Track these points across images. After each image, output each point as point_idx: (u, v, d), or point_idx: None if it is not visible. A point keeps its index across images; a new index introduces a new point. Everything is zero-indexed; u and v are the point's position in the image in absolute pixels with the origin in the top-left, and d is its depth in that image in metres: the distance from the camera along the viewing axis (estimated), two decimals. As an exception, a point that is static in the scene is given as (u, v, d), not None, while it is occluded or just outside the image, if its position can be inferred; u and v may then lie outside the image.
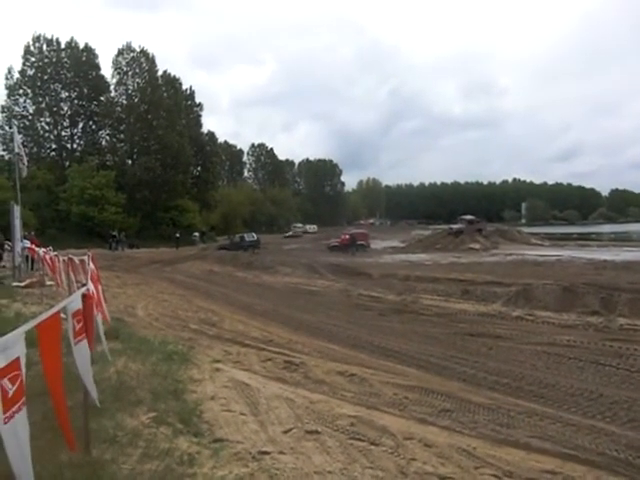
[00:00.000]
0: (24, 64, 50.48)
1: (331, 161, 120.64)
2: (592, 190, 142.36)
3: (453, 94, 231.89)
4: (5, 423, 1.83)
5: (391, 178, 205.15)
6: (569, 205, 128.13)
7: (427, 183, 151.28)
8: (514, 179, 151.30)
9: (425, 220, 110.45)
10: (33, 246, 17.45)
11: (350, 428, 4.33)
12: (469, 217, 46.52)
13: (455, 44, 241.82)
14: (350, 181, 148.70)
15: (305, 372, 6.47)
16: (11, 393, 1.88)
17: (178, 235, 46.41)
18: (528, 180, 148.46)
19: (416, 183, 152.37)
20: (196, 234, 52.46)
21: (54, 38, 51.67)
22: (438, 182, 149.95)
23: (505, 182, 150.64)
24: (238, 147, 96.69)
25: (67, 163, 52.26)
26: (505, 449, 4.18)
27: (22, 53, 50.58)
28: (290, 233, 72.33)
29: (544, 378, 6.33)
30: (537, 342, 8.19)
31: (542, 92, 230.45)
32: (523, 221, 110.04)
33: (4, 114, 49.60)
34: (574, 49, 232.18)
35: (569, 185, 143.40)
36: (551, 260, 24.95)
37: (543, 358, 7.30)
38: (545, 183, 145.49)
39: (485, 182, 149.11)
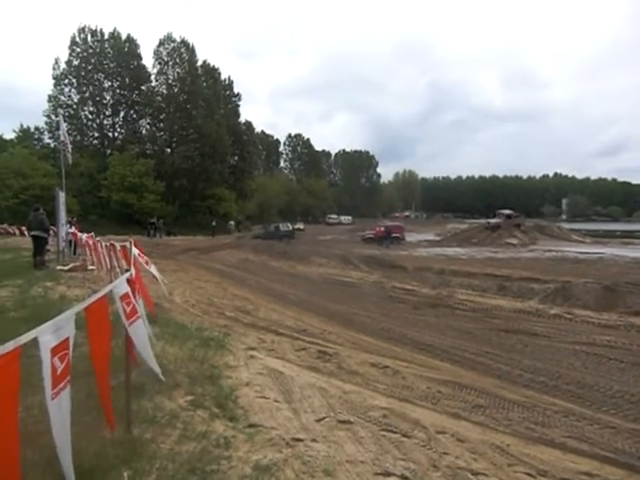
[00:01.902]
0: (70, 55, 52.16)
1: (367, 152, 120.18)
2: (638, 186, 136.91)
3: (493, 86, 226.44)
4: (53, 399, 1.93)
5: (428, 171, 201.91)
6: (613, 201, 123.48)
7: (464, 176, 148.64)
8: (555, 174, 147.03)
9: (461, 214, 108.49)
10: (76, 231, 18.04)
11: (382, 420, 4.34)
12: (507, 211, 45.55)
13: (496, 35, 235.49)
14: (386, 173, 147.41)
15: (338, 362, 6.51)
16: (59, 371, 1.98)
17: (214, 223, 47.12)
18: (570, 175, 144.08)
19: (453, 176, 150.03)
20: (232, 223, 53.18)
21: (98, 29, 53.21)
22: (476, 175, 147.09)
23: (545, 176, 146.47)
24: (275, 137, 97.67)
25: (108, 151, 53.77)
26: (540, 448, 4.12)
27: (68, 44, 52.24)
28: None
29: (582, 378, 6.19)
30: (575, 341, 8.01)
31: (586, 84, 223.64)
32: (563, 217, 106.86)
33: (51, 103, 51.39)
34: (620, 39, 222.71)
35: (614, 180, 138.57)
36: (592, 258, 24.22)
37: (581, 358, 7.14)
38: (588, 178, 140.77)
39: (524, 176, 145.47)
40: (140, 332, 3.30)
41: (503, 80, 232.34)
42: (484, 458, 3.75)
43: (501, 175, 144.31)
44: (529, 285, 13.80)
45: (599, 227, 62.87)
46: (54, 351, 1.91)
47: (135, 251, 4.57)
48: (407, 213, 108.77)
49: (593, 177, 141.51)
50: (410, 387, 5.67)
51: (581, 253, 26.95)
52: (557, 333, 8.59)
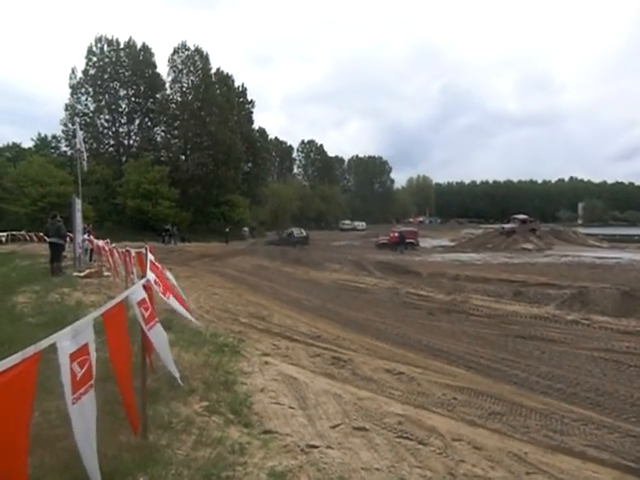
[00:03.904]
0: (87, 64, 53.11)
1: (381, 158, 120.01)
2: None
3: (508, 90, 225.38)
4: (73, 404, 1.95)
5: (442, 176, 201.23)
6: (630, 205, 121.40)
7: (479, 181, 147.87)
8: (571, 178, 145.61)
9: (476, 219, 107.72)
10: (92, 238, 18.24)
11: (398, 426, 4.31)
12: (522, 216, 45.15)
13: (511, 39, 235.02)
14: (400, 178, 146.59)
15: (353, 369, 6.48)
16: (79, 376, 2.00)
17: (228, 230, 47.35)
18: (586, 179, 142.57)
19: (467, 181, 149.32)
20: (245, 229, 53.42)
21: (114, 39, 54.13)
22: (490, 180, 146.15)
23: (561, 181, 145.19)
24: (288, 143, 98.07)
25: (124, 158, 54.52)
26: (559, 456, 4.06)
27: (85, 54, 53.26)
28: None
29: (601, 385, 6.09)
30: (593, 347, 7.88)
31: (602, 88, 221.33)
32: (580, 222, 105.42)
33: (67, 112, 52.37)
34: (636, 41, 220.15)
35: (631, 184, 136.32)
36: (610, 263, 23.89)
37: (600, 364, 7.02)
38: (604, 182, 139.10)
39: (540, 181, 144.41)
40: (160, 336, 3.33)
41: (518, 84, 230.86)
42: (501, 466, 3.71)
43: (516, 180, 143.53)
44: (545, 291, 13.64)
45: (616, 232, 61.94)
46: (73, 356, 1.93)
47: (151, 257, 4.60)
48: (421, 218, 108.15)
49: (610, 181, 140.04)
50: (425, 394, 5.62)
51: (598, 258, 26.60)
52: (575, 339, 8.47)
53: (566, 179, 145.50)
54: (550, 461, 3.91)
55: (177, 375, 3.69)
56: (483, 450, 3.98)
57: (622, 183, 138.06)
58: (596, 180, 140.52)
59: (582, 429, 4.72)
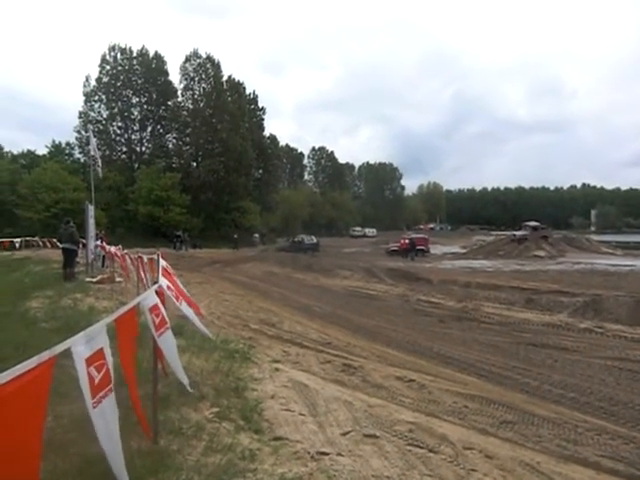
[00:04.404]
0: (100, 72, 53.78)
1: (391, 165, 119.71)
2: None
3: (519, 97, 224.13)
4: (94, 408, 1.97)
5: (452, 183, 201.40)
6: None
7: (490, 188, 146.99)
8: (583, 184, 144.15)
9: (487, 226, 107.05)
10: (104, 244, 18.39)
11: (409, 434, 4.28)
12: (533, 223, 44.80)
13: (522, 45, 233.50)
14: (410, 185, 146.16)
15: (363, 376, 6.47)
16: (97, 380, 2.02)
17: (236, 236, 47.45)
18: (599, 185, 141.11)
19: (478, 188, 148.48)
20: (256, 235, 53.56)
21: (127, 47, 54.81)
22: (501, 187, 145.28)
23: (573, 187, 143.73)
24: (299, 150, 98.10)
25: (136, 165, 55.03)
26: (572, 466, 4.01)
27: (99, 62, 53.96)
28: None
29: (615, 395, 6.02)
30: (607, 356, 7.80)
31: (614, 93, 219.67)
32: (592, 229, 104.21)
33: (81, 119, 53.05)
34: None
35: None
36: (623, 270, 23.61)
37: (614, 374, 6.95)
38: (618, 189, 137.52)
39: (551, 187, 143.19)
40: (169, 343, 3.36)
41: (529, 90, 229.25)
42: (514, 476, 3.67)
43: (527, 186, 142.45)
44: (558, 298, 13.54)
45: (630, 239, 61.22)
46: (89, 361, 1.96)
47: (164, 263, 4.64)
48: (432, 225, 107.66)
49: (623, 187, 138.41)
50: (436, 401, 5.59)
51: (611, 265, 26.31)
52: (588, 348, 8.38)
53: (578, 185, 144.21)
54: (563, 471, 3.86)
55: (186, 382, 3.70)
56: (495, 459, 3.94)
57: (636, 189, 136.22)
58: (609, 186, 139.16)
59: (596, 439, 4.67)
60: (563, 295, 13.99)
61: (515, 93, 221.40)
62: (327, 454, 3.59)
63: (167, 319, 3.40)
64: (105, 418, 2.06)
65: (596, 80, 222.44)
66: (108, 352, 2.12)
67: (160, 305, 3.22)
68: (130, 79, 54.54)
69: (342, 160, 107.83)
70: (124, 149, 56.64)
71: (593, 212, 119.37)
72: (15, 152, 56.06)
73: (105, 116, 54.34)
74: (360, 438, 4.04)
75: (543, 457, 4.14)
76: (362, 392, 5.71)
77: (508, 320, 10.96)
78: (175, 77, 57.38)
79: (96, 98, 53.66)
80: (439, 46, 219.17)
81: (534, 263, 30.31)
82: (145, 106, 56.22)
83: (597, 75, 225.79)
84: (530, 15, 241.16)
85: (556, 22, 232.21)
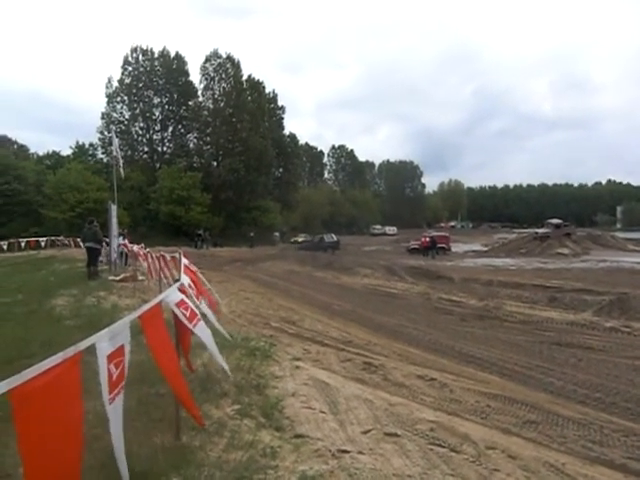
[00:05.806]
0: (122, 73, 54.75)
1: (412, 162, 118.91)
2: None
3: (542, 92, 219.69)
4: (110, 404, 2.00)
5: (474, 180, 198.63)
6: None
7: (512, 185, 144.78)
8: (608, 181, 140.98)
9: (509, 223, 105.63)
10: (127, 242, 18.66)
11: (430, 433, 4.24)
12: (556, 221, 44.10)
13: (545, 39, 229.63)
14: (431, 183, 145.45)
15: (384, 374, 6.44)
16: (115, 377, 2.05)
17: (252, 234, 47.61)
18: (624, 182, 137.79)
19: (500, 185, 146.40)
20: (277, 234, 53.80)
21: (149, 48, 55.68)
22: (524, 184, 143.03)
23: (598, 184, 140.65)
24: (319, 149, 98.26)
25: (158, 165, 55.75)
26: (598, 468, 3.93)
27: (121, 63, 54.90)
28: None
29: (643, 395, 5.88)
30: (635, 356, 7.63)
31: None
32: (618, 226, 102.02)
33: (104, 120, 54.09)
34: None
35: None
36: (651, 268, 23.10)
37: (641, 373, 6.79)
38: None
39: (576, 184, 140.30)
40: (206, 332, 3.44)
41: (553, 86, 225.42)
42: (538, 477, 3.61)
43: (550, 183, 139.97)
44: (582, 297, 13.29)
45: (657, 236, 59.78)
46: (110, 358, 1.99)
47: (185, 261, 4.68)
48: (453, 223, 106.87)
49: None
50: (458, 400, 5.54)
51: (638, 263, 25.74)
52: (614, 347, 8.21)
53: (603, 182, 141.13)
54: (589, 473, 3.79)
55: (226, 367, 3.77)
56: (518, 459, 3.89)
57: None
58: (635, 183, 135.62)
59: (623, 440, 4.57)
60: (587, 293, 13.74)
61: (538, 88, 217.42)
62: (348, 452, 3.58)
63: (197, 311, 3.45)
64: (117, 414, 2.10)
65: (621, 74, 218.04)
66: (128, 349, 2.15)
67: (187, 299, 3.27)
68: (151, 80, 55.32)
69: (362, 158, 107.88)
70: (146, 149, 57.45)
71: (619, 209, 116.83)
72: (40, 153, 57.41)
73: (127, 117, 55.28)
74: (381, 437, 4.02)
75: (568, 458, 4.07)
76: (383, 390, 5.68)
77: (531, 319, 10.80)
78: (196, 77, 58.12)
79: (118, 99, 54.60)
80: (459, 42, 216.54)
81: (557, 261, 29.86)
82: (166, 106, 56.98)
83: (622, 69, 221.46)
84: (553, 8, 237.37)
85: (580, 15, 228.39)
